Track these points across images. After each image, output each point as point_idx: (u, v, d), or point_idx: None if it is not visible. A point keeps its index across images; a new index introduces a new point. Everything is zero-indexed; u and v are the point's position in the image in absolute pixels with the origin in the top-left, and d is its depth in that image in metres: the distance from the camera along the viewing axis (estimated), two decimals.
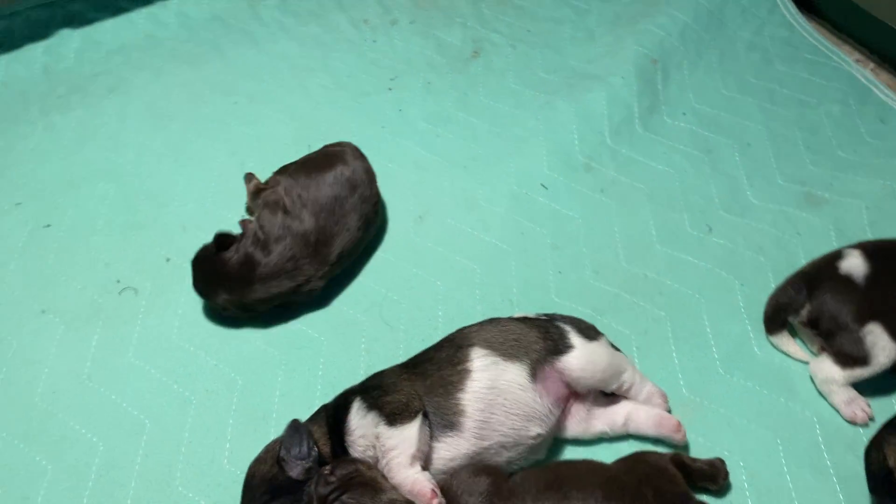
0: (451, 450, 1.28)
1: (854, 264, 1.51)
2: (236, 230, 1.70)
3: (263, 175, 1.78)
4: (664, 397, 1.44)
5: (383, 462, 1.25)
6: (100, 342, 1.59)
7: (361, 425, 1.28)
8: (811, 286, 1.52)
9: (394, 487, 1.22)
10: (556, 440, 1.41)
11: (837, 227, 1.77)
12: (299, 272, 1.58)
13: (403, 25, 2.36)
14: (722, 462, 1.35)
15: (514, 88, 2.15)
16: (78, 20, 2.32)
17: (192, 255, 1.63)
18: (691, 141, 1.99)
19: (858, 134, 2.00)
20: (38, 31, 2.28)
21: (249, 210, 1.80)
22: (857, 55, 2.25)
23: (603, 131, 1.99)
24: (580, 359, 1.35)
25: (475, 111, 2.09)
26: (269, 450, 1.30)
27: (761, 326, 1.58)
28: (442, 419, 1.29)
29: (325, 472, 1.21)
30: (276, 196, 1.65)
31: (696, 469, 1.32)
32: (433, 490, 1.20)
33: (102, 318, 1.63)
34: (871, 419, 1.45)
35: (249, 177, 1.80)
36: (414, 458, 1.24)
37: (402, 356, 1.46)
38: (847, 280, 1.49)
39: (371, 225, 1.71)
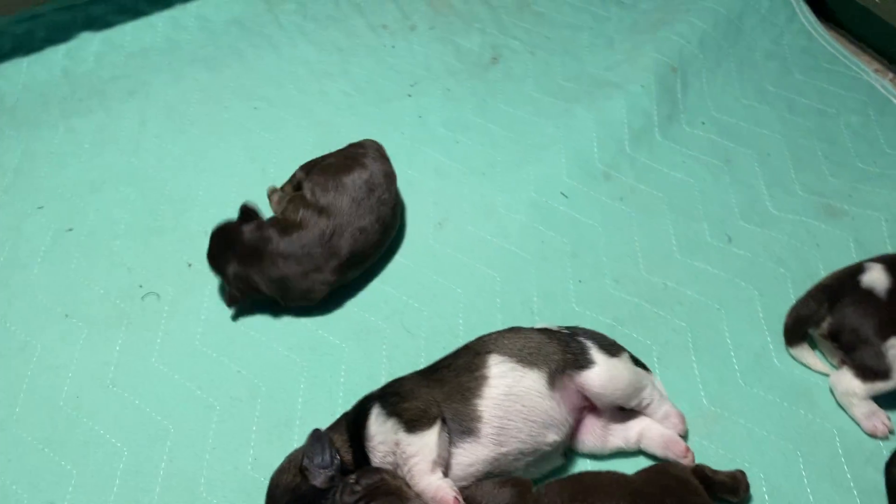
0: (469, 456, 1.29)
1: (876, 278, 1.51)
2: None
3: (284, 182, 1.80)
4: (681, 419, 1.43)
5: (404, 469, 1.26)
6: (123, 347, 1.60)
7: (381, 431, 1.28)
8: (832, 299, 1.52)
9: (418, 496, 1.22)
10: (573, 452, 1.41)
11: (857, 240, 1.76)
12: (308, 259, 1.59)
13: (422, 31, 2.37)
14: (743, 474, 1.35)
15: (533, 95, 2.15)
16: (98, 23, 2.32)
17: None
18: (710, 150, 1.99)
19: (878, 145, 1.99)
20: (59, 34, 2.28)
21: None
22: (876, 65, 2.24)
23: (622, 139, 1.99)
24: (602, 375, 1.35)
25: (494, 118, 2.09)
26: (291, 459, 1.30)
27: (781, 338, 1.58)
28: (460, 425, 1.29)
29: (351, 480, 1.21)
30: (300, 194, 1.69)
31: (717, 481, 1.32)
32: (456, 497, 1.20)
33: (125, 323, 1.64)
34: (892, 432, 1.45)
35: (271, 191, 1.80)
36: (435, 464, 1.24)
37: (423, 364, 1.46)
38: (869, 293, 1.49)
39: (389, 228, 1.72)
